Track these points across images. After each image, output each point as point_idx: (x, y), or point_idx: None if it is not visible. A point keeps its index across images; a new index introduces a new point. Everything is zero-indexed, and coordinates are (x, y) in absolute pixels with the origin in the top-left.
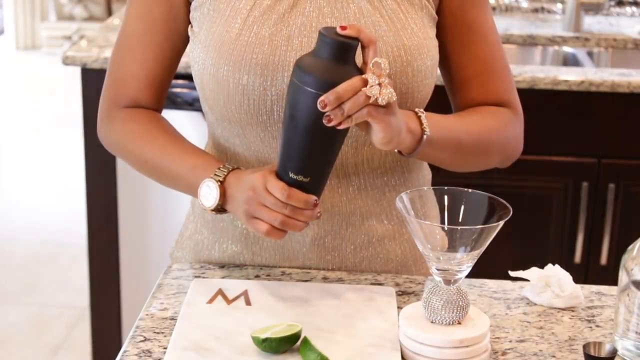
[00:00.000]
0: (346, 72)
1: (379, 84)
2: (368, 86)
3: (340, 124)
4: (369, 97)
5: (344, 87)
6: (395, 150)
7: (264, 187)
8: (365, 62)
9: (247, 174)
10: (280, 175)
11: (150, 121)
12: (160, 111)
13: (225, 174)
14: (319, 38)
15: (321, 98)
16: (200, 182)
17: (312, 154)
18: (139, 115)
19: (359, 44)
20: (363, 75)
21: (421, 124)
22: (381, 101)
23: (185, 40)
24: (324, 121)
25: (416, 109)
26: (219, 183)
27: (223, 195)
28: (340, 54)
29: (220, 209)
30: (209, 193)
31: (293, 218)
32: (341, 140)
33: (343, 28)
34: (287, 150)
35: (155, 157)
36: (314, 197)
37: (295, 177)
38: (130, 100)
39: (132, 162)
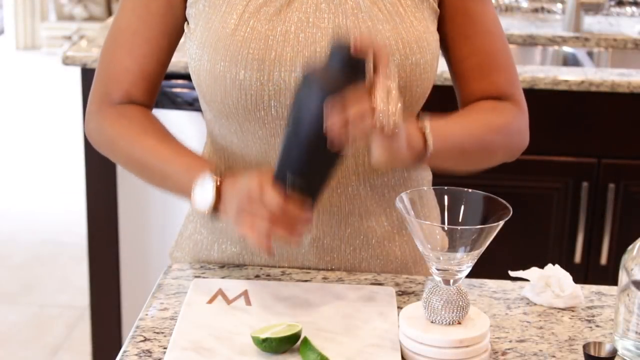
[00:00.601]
0: (355, 83)
1: (388, 108)
2: (376, 114)
3: (342, 130)
4: (373, 107)
5: (351, 112)
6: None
7: (260, 188)
8: (374, 77)
9: (243, 177)
10: (278, 175)
11: (141, 119)
12: (152, 107)
13: (221, 175)
14: (330, 51)
15: (329, 122)
16: (193, 183)
17: (312, 157)
18: (131, 113)
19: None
20: (371, 103)
21: (425, 139)
22: (386, 128)
23: (180, 36)
24: (327, 125)
25: (420, 118)
26: (215, 186)
27: (218, 196)
28: (349, 67)
29: (216, 213)
30: (204, 193)
31: (285, 230)
32: (340, 158)
33: (356, 48)
34: (288, 151)
35: (146, 156)
36: (308, 214)
37: (292, 177)
38: (123, 95)
39: (121, 160)
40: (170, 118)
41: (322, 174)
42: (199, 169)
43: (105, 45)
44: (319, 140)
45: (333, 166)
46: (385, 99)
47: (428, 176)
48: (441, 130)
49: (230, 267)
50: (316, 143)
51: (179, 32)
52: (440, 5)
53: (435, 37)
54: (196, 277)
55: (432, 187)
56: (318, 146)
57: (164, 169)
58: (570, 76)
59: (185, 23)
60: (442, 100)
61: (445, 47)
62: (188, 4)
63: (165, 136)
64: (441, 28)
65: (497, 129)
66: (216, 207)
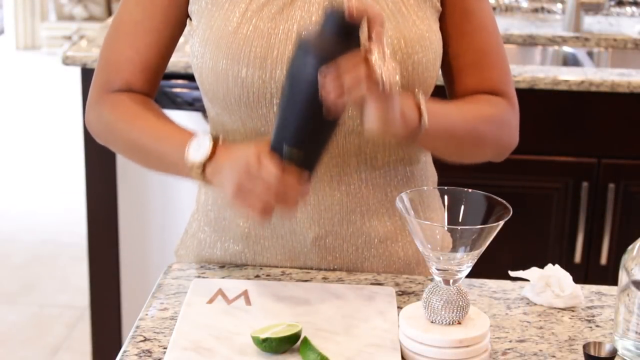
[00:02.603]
0: (349, 48)
1: (383, 60)
2: (372, 56)
3: (338, 97)
4: (369, 72)
5: (345, 60)
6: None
7: (257, 160)
8: (369, 38)
9: (239, 147)
10: (274, 147)
11: (140, 103)
12: (152, 99)
13: (217, 136)
14: (323, 15)
15: (322, 69)
16: (189, 143)
17: (308, 126)
18: (129, 98)
19: (365, 19)
20: (367, 47)
21: (420, 114)
22: (385, 73)
23: (182, 30)
24: (323, 92)
25: (415, 92)
26: (212, 139)
27: (213, 152)
28: (344, 31)
29: (206, 176)
30: (199, 146)
31: (283, 198)
32: (338, 118)
33: (350, 13)
34: (284, 121)
35: (142, 137)
36: (307, 173)
37: (289, 149)
38: (123, 84)
39: (119, 144)
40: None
41: (319, 143)
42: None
43: (107, 36)
44: (315, 107)
45: (329, 135)
46: (382, 61)
47: (433, 176)
48: (436, 110)
49: (230, 267)
50: (312, 111)
51: (182, 26)
52: (440, 2)
53: (437, 36)
54: (196, 277)
55: (435, 187)
56: (314, 114)
57: (160, 148)
58: (570, 76)
59: (188, 19)
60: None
61: (442, 43)
62: (191, 0)
63: (162, 118)
64: (440, 25)
65: (490, 120)
66: (208, 163)
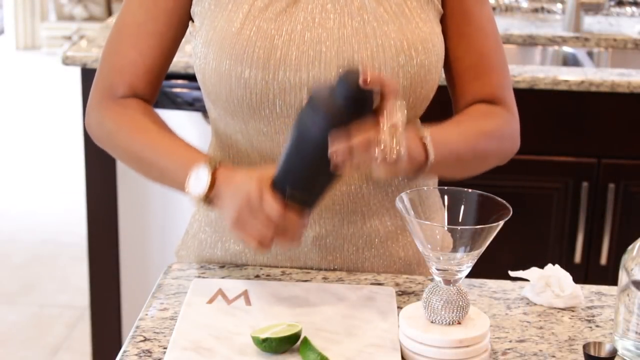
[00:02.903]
0: (361, 115)
1: (393, 140)
2: (380, 147)
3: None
4: (379, 153)
5: (358, 142)
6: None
7: (259, 196)
8: (382, 108)
9: (241, 175)
10: (277, 184)
11: (142, 114)
12: (153, 102)
13: (216, 164)
14: (338, 81)
15: (333, 149)
16: (189, 172)
17: (313, 175)
18: (132, 107)
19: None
20: (377, 135)
21: (425, 151)
22: (389, 160)
23: (184, 32)
24: (331, 167)
25: (419, 129)
26: (211, 171)
27: (212, 184)
28: (357, 99)
29: (209, 202)
30: (199, 180)
31: (282, 234)
32: (341, 175)
33: (365, 81)
34: (289, 164)
35: (144, 150)
36: (305, 220)
37: (292, 191)
38: (126, 87)
39: (120, 154)
40: (170, 118)
41: (322, 188)
42: (195, 162)
43: (109, 38)
44: (321, 162)
45: (332, 183)
46: (390, 133)
47: (433, 179)
48: (440, 140)
49: (230, 267)
50: (318, 165)
51: (184, 28)
52: (442, 5)
53: (440, 39)
54: (196, 277)
55: (435, 188)
56: (319, 167)
57: (161, 163)
58: (570, 76)
59: (190, 21)
60: (443, 100)
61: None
62: (194, 1)
63: (164, 131)
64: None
65: (491, 135)
66: (209, 195)
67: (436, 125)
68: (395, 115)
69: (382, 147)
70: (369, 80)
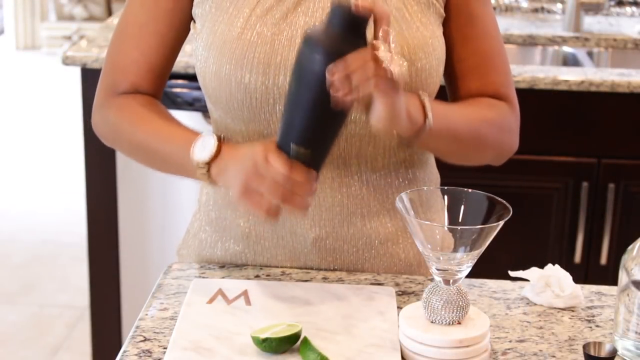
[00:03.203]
0: (356, 44)
1: (390, 56)
2: (379, 51)
3: (347, 94)
4: (377, 69)
5: (353, 57)
6: (395, 134)
7: (265, 159)
8: (376, 36)
9: (245, 147)
10: (281, 146)
11: (145, 104)
12: (158, 99)
13: (222, 136)
14: (330, 12)
15: (330, 66)
16: (194, 143)
17: (315, 125)
18: (135, 100)
19: (372, 17)
20: (374, 43)
21: (424, 113)
22: (393, 68)
23: (187, 32)
24: (331, 90)
25: (420, 93)
26: (217, 138)
27: (218, 151)
28: (351, 27)
29: (210, 175)
30: (204, 146)
31: (292, 194)
32: (345, 115)
33: (356, 6)
34: (290, 120)
35: (148, 138)
36: (314, 172)
37: (296, 148)
38: (129, 85)
39: (125, 146)
40: None
41: (326, 140)
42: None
43: (112, 38)
44: (323, 104)
45: (337, 132)
46: (389, 56)
47: (436, 179)
48: (440, 111)
49: (230, 267)
50: (320, 108)
51: (186, 28)
52: (445, 8)
53: (441, 42)
54: (196, 277)
55: (436, 188)
56: (322, 111)
57: (165, 149)
58: (570, 76)
59: (192, 22)
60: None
61: (446, 47)
62: (195, 3)
63: (168, 119)
64: (444, 30)
65: (492, 123)
66: (213, 162)
67: (437, 102)
68: (388, 38)
69: (381, 58)
70: (360, 6)
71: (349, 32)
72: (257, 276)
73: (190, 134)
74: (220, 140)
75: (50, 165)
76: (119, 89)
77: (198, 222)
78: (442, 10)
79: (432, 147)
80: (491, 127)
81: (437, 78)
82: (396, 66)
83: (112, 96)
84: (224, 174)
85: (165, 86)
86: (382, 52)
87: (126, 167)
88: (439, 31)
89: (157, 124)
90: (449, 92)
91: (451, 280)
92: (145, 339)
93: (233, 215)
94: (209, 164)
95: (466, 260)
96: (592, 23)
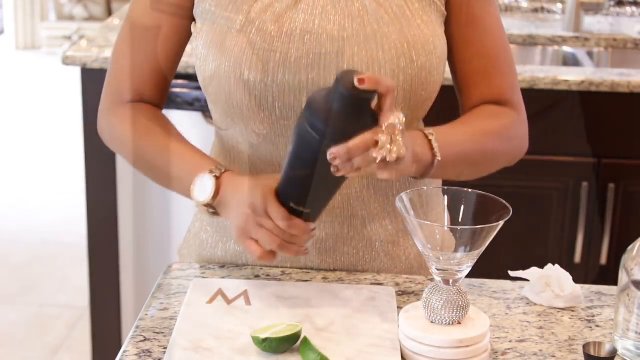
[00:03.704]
0: (359, 125)
1: (391, 140)
2: (378, 148)
3: (348, 172)
4: (377, 158)
5: (355, 144)
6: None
7: (264, 209)
8: (380, 109)
9: (246, 183)
10: (280, 197)
11: (151, 119)
12: (162, 106)
13: (221, 171)
14: (334, 84)
15: (332, 151)
16: (194, 179)
17: (315, 188)
18: (141, 112)
19: (376, 94)
20: (375, 136)
21: (432, 148)
22: (389, 160)
23: (190, 35)
24: (332, 170)
25: (426, 132)
26: (215, 178)
27: (217, 192)
28: (354, 107)
29: (214, 211)
30: (203, 187)
31: (289, 242)
32: (345, 179)
33: (360, 81)
34: (291, 176)
35: (154, 156)
36: (312, 225)
37: (296, 207)
38: (134, 92)
39: (129, 158)
40: (171, 118)
41: (325, 199)
42: (201, 169)
43: (116, 43)
44: (322, 172)
45: (335, 191)
46: (388, 133)
47: (437, 181)
48: (447, 140)
49: (230, 267)
50: (319, 174)
51: (189, 30)
52: (446, 7)
53: (442, 41)
54: (196, 277)
55: (436, 188)
56: (321, 176)
57: (169, 170)
58: (570, 76)
59: (193, 22)
60: (447, 102)
61: (449, 48)
62: (196, 3)
63: (173, 137)
64: (446, 30)
65: (498, 135)
66: (213, 203)
67: (442, 126)
68: (393, 115)
69: (380, 147)
70: (365, 80)
71: (352, 105)
72: (257, 276)
73: (193, 159)
74: (219, 178)
75: (50, 165)
76: (124, 97)
77: (199, 222)
78: (443, 9)
79: (443, 175)
80: (497, 139)
81: (438, 77)
82: (394, 153)
83: (118, 104)
84: (225, 211)
85: (169, 90)
86: (382, 140)
87: (126, 168)
88: (440, 30)
89: (161, 142)
90: (457, 95)
91: (451, 280)
92: (145, 339)
93: None
94: (209, 203)
95: (466, 260)
96: (592, 23)
